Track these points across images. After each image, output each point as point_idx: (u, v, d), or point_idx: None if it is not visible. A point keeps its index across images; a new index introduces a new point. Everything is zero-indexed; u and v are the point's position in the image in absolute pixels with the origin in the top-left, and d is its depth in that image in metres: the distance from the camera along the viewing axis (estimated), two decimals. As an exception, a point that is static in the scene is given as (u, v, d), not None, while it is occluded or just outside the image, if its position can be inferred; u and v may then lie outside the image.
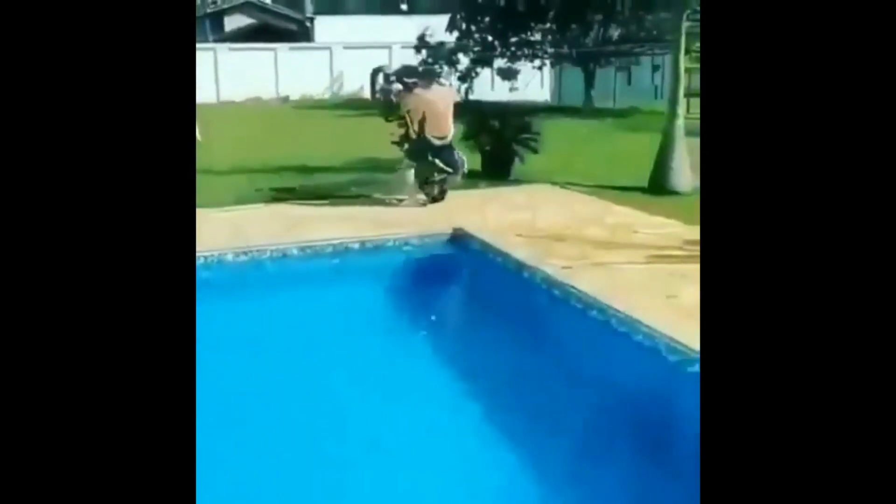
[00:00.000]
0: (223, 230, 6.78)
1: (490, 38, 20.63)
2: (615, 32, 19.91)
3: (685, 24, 9.10)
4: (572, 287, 5.28)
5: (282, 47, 24.78)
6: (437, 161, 7.93)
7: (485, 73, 21.33)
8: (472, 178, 9.16)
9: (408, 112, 8.13)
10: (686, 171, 8.91)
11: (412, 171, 8.06)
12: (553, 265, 5.72)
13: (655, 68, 21.76)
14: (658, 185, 8.99)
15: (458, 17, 20.49)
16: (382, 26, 25.56)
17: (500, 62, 21.06)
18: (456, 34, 20.61)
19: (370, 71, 8.31)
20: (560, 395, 4.32)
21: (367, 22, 26.40)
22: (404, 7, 28.79)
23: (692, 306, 3.98)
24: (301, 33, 26.74)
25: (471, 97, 19.89)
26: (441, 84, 8.96)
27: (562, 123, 15.08)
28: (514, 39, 20.53)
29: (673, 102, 9.25)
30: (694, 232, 6.00)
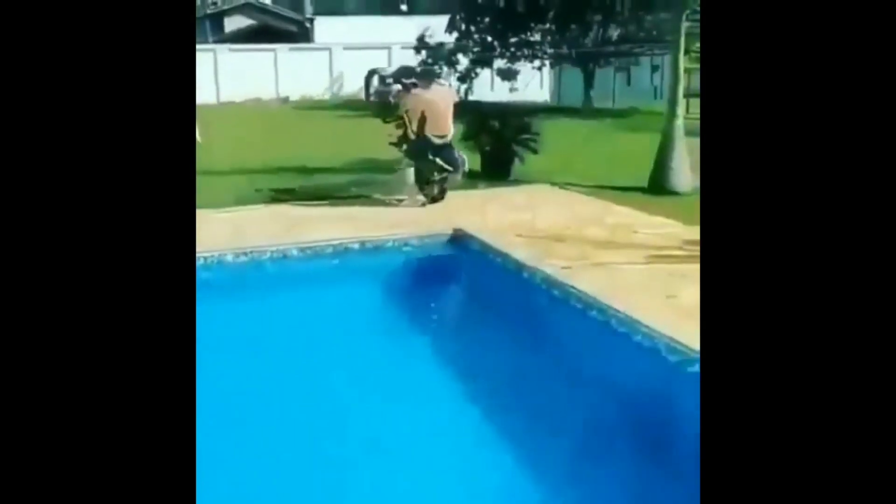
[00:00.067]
0: (223, 231, 6.78)
1: (489, 39, 20.63)
2: (614, 33, 19.91)
3: (684, 25, 9.10)
4: (572, 287, 5.28)
5: (282, 48, 24.77)
6: (437, 160, 7.93)
7: (484, 74, 21.34)
8: (472, 179, 9.16)
9: (406, 112, 8.13)
10: (686, 172, 8.91)
11: (411, 171, 8.06)
12: (553, 265, 5.72)
13: (655, 69, 21.76)
14: (658, 186, 9.00)
15: (458, 17, 20.50)
16: (382, 27, 25.56)
17: (499, 63, 21.06)
18: (455, 35, 20.61)
19: (365, 73, 8.27)
20: (560, 396, 4.32)
21: (366, 23, 26.40)
22: (404, 8, 28.80)
23: (692, 306, 3.98)
24: (301, 34, 26.74)
25: (470, 98, 19.89)
26: (441, 84, 8.96)
27: (561, 124, 15.09)
28: (513, 40, 20.54)
29: (672, 102, 9.25)
30: (694, 232, 6.01)
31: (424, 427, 3.88)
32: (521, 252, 6.13)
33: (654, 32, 18.50)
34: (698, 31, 8.37)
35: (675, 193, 8.81)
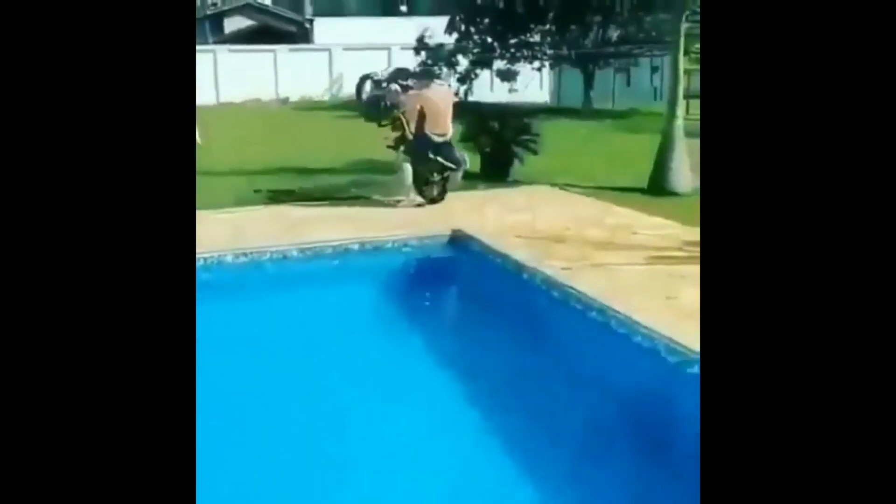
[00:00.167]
0: (223, 232, 6.78)
1: (489, 40, 20.61)
2: (614, 34, 19.89)
3: (684, 26, 9.10)
4: (572, 288, 5.28)
5: (281, 49, 24.76)
6: (438, 158, 7.93)
7: (484, 75, 21.31)
8: (472, 180, 9.16)
9: (403, 113, 8.13)
10: (685, 172, 8.91)
11: (410, 172, 8.05)
12: (553, 266, 5.72)
13: (654, 69, 21.75)
14: (657, 187, 9.00)
15: (458, 18, 20.48)
16: (382, 28, 25.55)
17: (499, 64, 21.04)
18: (455, 36, 20.60)
19: (357, 79, 8.24)
20: (560, 396, 4.32)
21: (366, 23, 26.40)
22: (404, 9, 28.80)
23: (692, 307, 3.98)
24: (300, 35, 26.73)
25: (470, 99, 19.88)
26: (440, 83, 8.96)
27: (561, 125, 15.09)
28: (513, 41, 20.52)
29: (672, 103, 9.25)
30: (693, 233, 6.01)
31: (424, 427, 3.88)
32: (520, 253, 6.13)
33: (654, 33, 18.49)
34: (698, 31, 8.37)
35: (674, 194, 8.81)
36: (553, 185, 9.30)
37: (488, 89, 21.25)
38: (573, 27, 19.69)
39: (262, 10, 27.81)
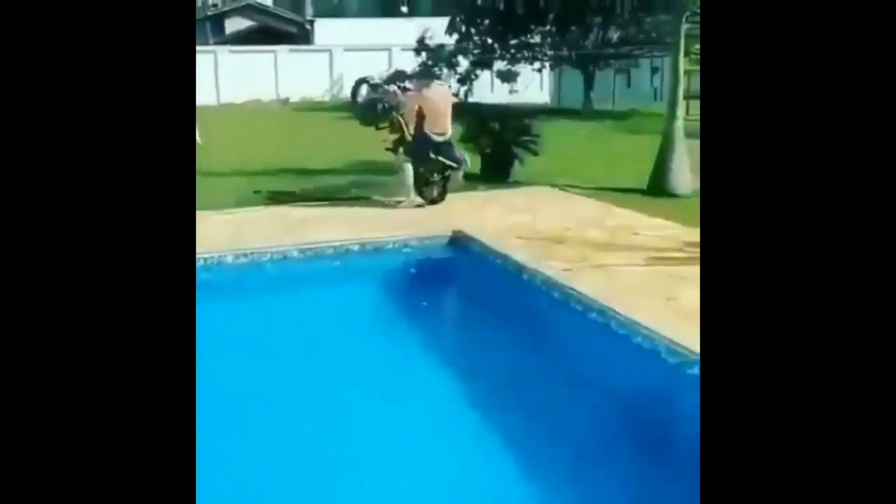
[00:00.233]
0: (224, 232, 6.78)
1: (490, 41, 20.60)
2: (614, 35, 19.89)
3: (684, 27, 9.10)
4: (572, 289, 5.28)
5: (282, 49, 24.76)
6: (439, 157, 7.94)
7: (484, 76, 21.31)
8: (472, 181, 9.16)
9: (401, 115, 8.14)
10: (686, 173, 8.91)
11: (411, 172, 8.05)
12: (553, 267, 5.72)
13: (654, 70, 21.76)
14: (658, 187, 8.99)
15: (458, 19, 20.48)
16: (382, 29, 25.56)
17: (499, 64, 21.04)
18: (456, 37, 20.60)
19: (352, 84, 8.21)
20: (560, 397, 4.32)
21: (366, 24, 26.41)
22: (404, 10, 28.81)
23: (692, 308, 3.98)
24: (301, 36, 26.73)
25: (470, 100, 19.89)
26: (439, 83, 8.96)
27: (561, 125, 15.08)
28: (513, 42, 20.52)
29: (672, 104, 9.25)
30: (694, 234, 6.01)
31: (424, 428, 3.88)
32: (521, 254, 6.13)
33: (654, 34, 18.49)
34: (698, 32, 8.37)
35: (675, 195, 8.81)
36: (553, 185, 9.30)
37: (489, 90, 21.25)
38: (573, 28, 19.69)
39: (262, 10, 27.82)
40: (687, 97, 9.89)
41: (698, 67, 10.01)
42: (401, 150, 8.15)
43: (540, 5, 18.51)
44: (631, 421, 4.10)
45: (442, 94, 8.43)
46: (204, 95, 20.39)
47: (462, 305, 6.48)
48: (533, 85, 22.46)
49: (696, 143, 4.85)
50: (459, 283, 6.94)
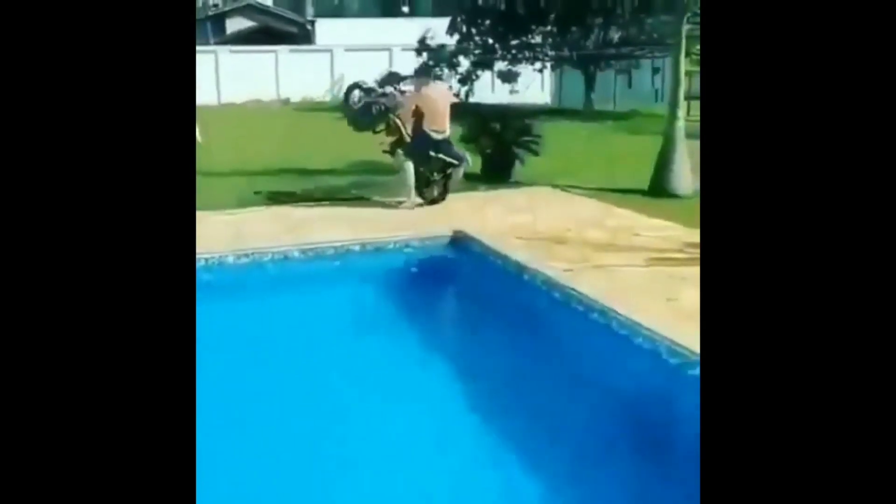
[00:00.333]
0: (224, 232, 6.79)
1: (491, 41, 20.60)
2: (615, 35, 19.89)
3: (685, 27, 9.10)
4: (573, 289, 5.28)
5: (283, 50, 24.76)
6: (440, 155, 7.94)
7: (485, 76, 21.31)
8: (473, 181, 9.16)
9: (398, 117, 8.14)
10: (686, 174, 8.90)
11: (412, 172, 8.04)
12: (554, 267, 5.72)
13: (655, 71, 21.76)
14: (658, 188, 8.99)
15: (459, 19, 20.48)
16: (383, 29, 25.56)
17: (500, 65, 21.03)
18: (457, 37, 20.60)
19: (345, 89, 8.16)
20: (561, 398, 4.31)
21: (367, 24, 26.41)
22: (405, 10, 28.81)
23: (692, 309, 3.98)
24: (302, 36, 26.73)
25: (471, 100, 19.89)
26: (437, 82, 8.96)
27: (562, 126, 15.07)
28: (514, 42, 20.51)
29: (673, 105, 9.24)
30: (694, 234, 6.01)
31: (425, 428, 3.88)
32: (521, 254, 6.13)
33: (655, 35, 18.48)
34: (699, 33, 8.36)
35: (675, 196, 8.80)
36: (554, 186, 9.30)
37: (489, 90, 21.25)
38: (574, 29, 19.68)
39: (263, 11, 27.82)
40: (688, 98, 9.89)
41: (699, 68, 10.00)
42: (399, 151, 8.14)
43: (541, 6, 18.51)
44: (632, 421, 4.10)
45: (440, 93, 8.44)
46: (205, 95, 20.40)
47: (463, 306, 6.48)
48: (534, 85, 22.46)
49: (697, 144, 4.85)
50: (460, 284, 6.94)
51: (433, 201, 8.11)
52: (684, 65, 9.22)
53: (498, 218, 7.50)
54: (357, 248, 6.63)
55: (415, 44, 21.07)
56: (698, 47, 9.70)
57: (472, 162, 8.68)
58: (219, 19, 27.13)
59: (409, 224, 7.28)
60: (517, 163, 9.82)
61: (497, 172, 9.76)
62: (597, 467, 3.55)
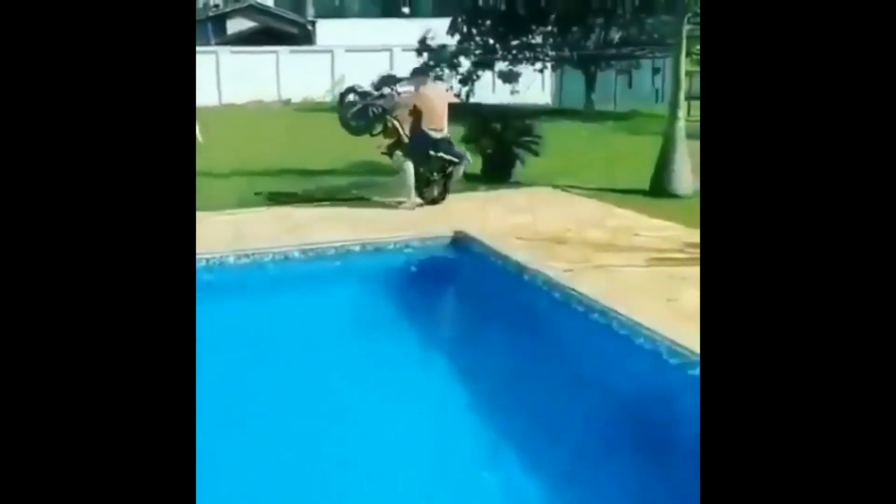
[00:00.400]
0: (225, 233, 6.79)
1: (491, 41, 20.60)
2: (616, 35, 19.88)
3: (686, 28, 9.09)
4: (573, 290, 5.28)
5: (283, 50, 24.76)
6: (440, 154, 7.94)
7: (486, 76, 21.30)
8: (473, 181, 9.16)
9: (395, 118, 8.14)
10: (687, 174, 8.90)
11: (412, 172, 8.04)
12: (554, 268, 5.72)
13: (656, 71, 21.76)
14: (659, 188, 8.98)
15: (460, 20, 20.48)
16: (384, 29, 25.56)
17: (501, 65, 21.03)
18: (457, 37, 20.60)
19: (339, 95, 8.11)
20: (561, 398, 4.31)
21: (368, 25, 26.41)
22: (406, 10, 28.81)
23: (693, 309, 3.97)
24: (303, 36, 26.73)
25: (472, 100, 19.89)
26: (434, 81, 8.98)
27: (563, 126, 15.06)
28: (515, 42, 20.51)
29: (674, 105, 9.24)
30: (695, 235, 6.00)
31: (426, 429, 3.88)
32: (522, 254, 6.13)
33: (656, 35, 18.48)
34: (700, 33, 8.36)
35: (676, 196, 8.80)
36: (554, 186, 9.30)
37: (490, 91, 21.24)
38: (575, 29, 19.68)
39: (264, 11, 27.82)
40: (688, 98, 9.88)
41: (700, 68, 9.99)
42: (397, 152, 8.14)
43: (541, 6, 18.50)
44: (633, 422, 4.10)
45: (437, 92, 8.44)
46: (206, 96, 20.40)
47: (463, 306, 6.47)
48: (534, 85, 22.46)
49: (698, 144, 4.84)
50: (460, 284, 6.94)
51: (433, 201, 8.11)
52: (685, 65, 9.22)
53: (498, 218, 7.50)
54: (357, 248, 6.63)
55: (415, 44, 21.07)
56: (699, 47, 9.69)
57: (473, 161, 8.68)
58: (220, 20, 27.14)
59: (409, 224, 7.28)
60: (518, 163, 9.82)
61: (497, 173, 9.76)
62: (597, 468, 3.55)
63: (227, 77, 23.39)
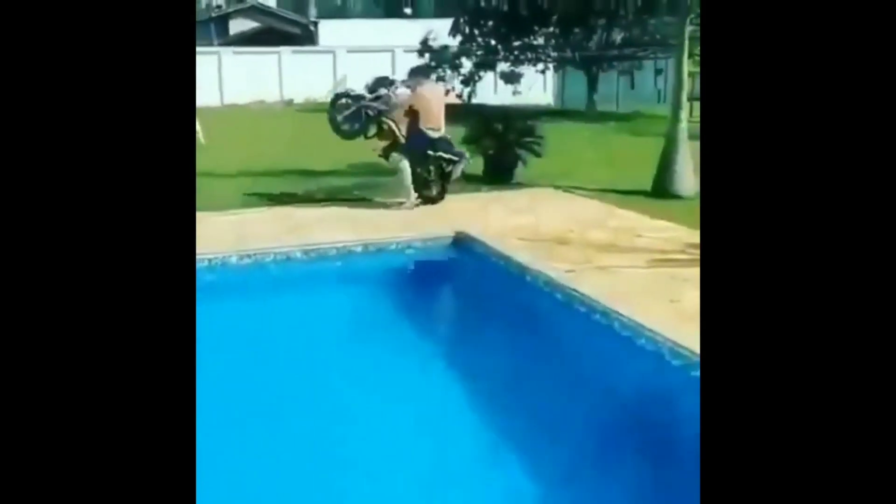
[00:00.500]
0: (227, 233, 6.79)
1: (493, 42, 20.61)
2: (618, 36, 19.87)
3: (688, 28, 9.09)
4: (575, 291, 5.27)
5: (285, 51, 24.81)
6: (438, 153, 7.94)
7: (488, 77, 21.31)
8: (475, 182, 9.16)
9: (391, 118, 8.15)
10: (689, 175, 8.89)
11: (409, 172, 8.04)
12: (556, 269, 5.72)
13: (658, 72, 21.74)
14: (661, 189, 8.98)
15: (462, 20, 20.48)
16: (386, 30, 25.59)
17: (503, 66, 21.05)
18: (459, 38, 20.60)
19: (331, 98, 8.06)
20: (563, 399, 4.31)
21: (370, 25, 26.45)
22: (408, 11, 28.83)
23: (695, 310, 3.97)
24: (305, 37, 26.77)
25: (474, 101, 19.89)
26: (430, 82, 8.99)
27: (565, 127, 15.06)
28: (517, 43, 20.51)
29: (676, 106, 9.23)
30: (697, 236, 5.99)
31: (427, 430, 3.88)
32: (523, 255, 6.12)
33: (658, 36, 18.48)
34: (702, 34, 8.34)
35: (678, 197, 8.79)
36: (556, 187, 9.29)
37: (492, 91, 21.26)
38: (577, 30, 19.68)
39: (266, 12, 27.87)
40: (690, 99, 9.88)
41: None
42: (393, 154, 8.14)
43: (543, 7, 18.50)
44: (635, 423, 4.09)
45: (434, 92, 8.45)
46: (208, 96, 20.46)
47: (465, 307, 6.47)
48: (536, 86, 22.48)
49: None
50: (462, 285, 6.94)
51: (432, 200, 8.11)
52: (687, 66, 9.22)
53: (500, 219, 7.50)
54: (359, 249, 6.64)
55: (417, 45, 21.08)
56: (701, 48, 9.68)
57: (474, 162, 8.68)
58: (222, 20, 27.19)
59: (411, 225, 7.28)
60: (519, 164, 9.81)
61: (499, 173, 9.75)
62: (599, 469, 3.55)
63: (229, 77, 23.44)
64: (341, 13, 28.80)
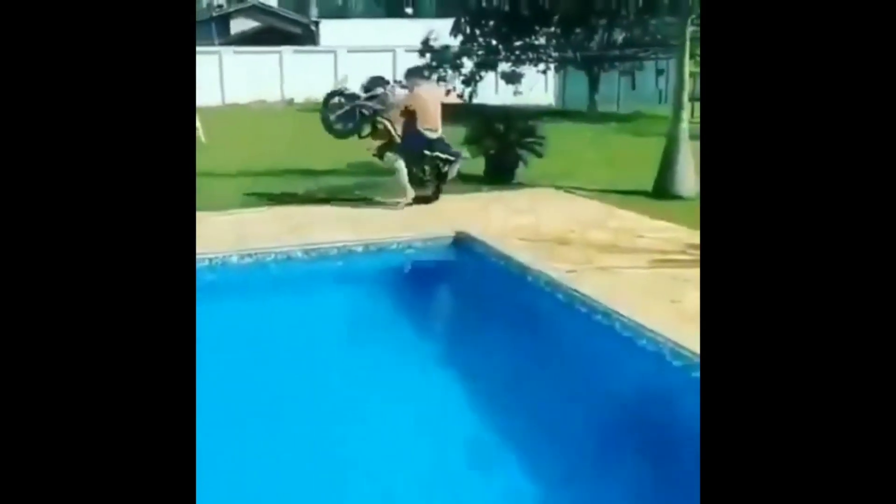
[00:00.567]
0: (227, 233, 6.80)
1: (494, 42, 20.60)
2: (619, 37, 19.85)
3: (689, 29, 9.09)
4: (576, 291, 5.27)
5: (286, 50, 24.83)
6: (436, 153, 7.95)
7: (489, 77, 21.30)
8: (476, 182, 9.15)
9: (387, 118, 8.15)
10: (690, 176, 8.89)
11: (405, 171, 8.04)
12: (557, 269, 5.71)
13: (659, 72, 21.72)
14: (662, 190, 8.97)
15: (463, 20, 20.48)
16: (387, 30, 25.60)
17: (504, 66, 21.04)
18: (460, 38, 20.60)
19: (324, 97, 8.00)
20: (563, 399, 4.31)
21: (371, 25, 26.46)
22: (409, 11, 28.84)
23: (696, 311, 3.96)
24: (306, 36, 26.79)
25: (475, 101, 19.89)
26: (428, 82, 8.99)
27: (566, 127, 15.06)
28: (518, 43, 20.50)
29: (677, 106, 9.23)
30: (697, 236, 5.99)
31: (427, 430, 3.88)
32: (524, 255, 6.12)
33: (659, 36, 18.47)
34: (703, 34, 8.34)
35: (679, 197, 8.79)
36: (557, 187, 9.29)
37: (493, 91, 21.25)
38: (578, 30, 19.67)
39: (267, 11, 27.88)
40: (692, 99, 9.87)
41: (703, 69, 9.99)
42: (388, 154, 8.14)
43: (545, 7, 18.50)
44: (635, 423, 4.09)
45: (431, 92, 8.45)
46: (209, 96, 20.47)
47: (465, 307, 6.47)
48: (537, 86, 22.46)
49: (701, 145, 4.83)
50: (462, 285, 6.93)
51: (427, 200, 8.12)
52: (688, 66, 9.21)
53: (501, 219, 7.50)
54: (360, 248, 6.64)
55: (418, 45, 21.08)
56: (702, 49, 9.67)
57: (475, 162, 8.68)
58: (223, 20, 27.21)
59: (411, 225, 7.28)
60: (520, 164, 9.81)
61: (500, 173, 9.75)
62: (600, 469, 3.55)
63: (230, 77, 23.46)
64: (342, 13, 28.83)
